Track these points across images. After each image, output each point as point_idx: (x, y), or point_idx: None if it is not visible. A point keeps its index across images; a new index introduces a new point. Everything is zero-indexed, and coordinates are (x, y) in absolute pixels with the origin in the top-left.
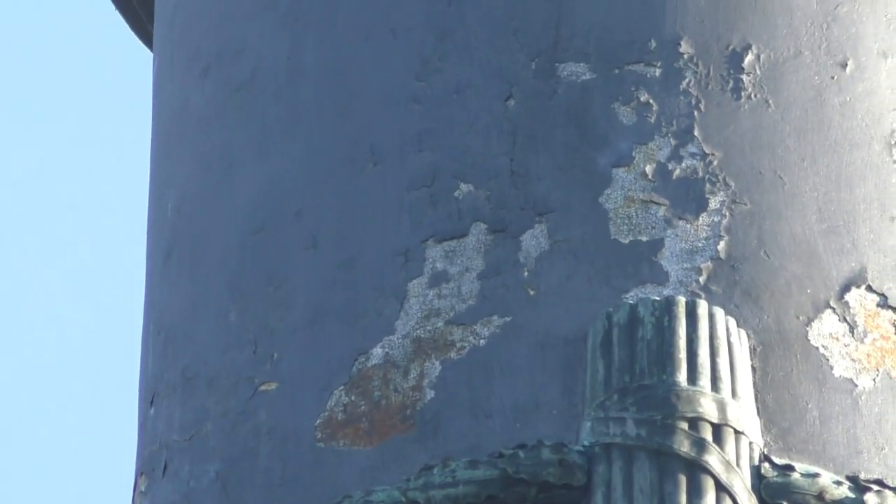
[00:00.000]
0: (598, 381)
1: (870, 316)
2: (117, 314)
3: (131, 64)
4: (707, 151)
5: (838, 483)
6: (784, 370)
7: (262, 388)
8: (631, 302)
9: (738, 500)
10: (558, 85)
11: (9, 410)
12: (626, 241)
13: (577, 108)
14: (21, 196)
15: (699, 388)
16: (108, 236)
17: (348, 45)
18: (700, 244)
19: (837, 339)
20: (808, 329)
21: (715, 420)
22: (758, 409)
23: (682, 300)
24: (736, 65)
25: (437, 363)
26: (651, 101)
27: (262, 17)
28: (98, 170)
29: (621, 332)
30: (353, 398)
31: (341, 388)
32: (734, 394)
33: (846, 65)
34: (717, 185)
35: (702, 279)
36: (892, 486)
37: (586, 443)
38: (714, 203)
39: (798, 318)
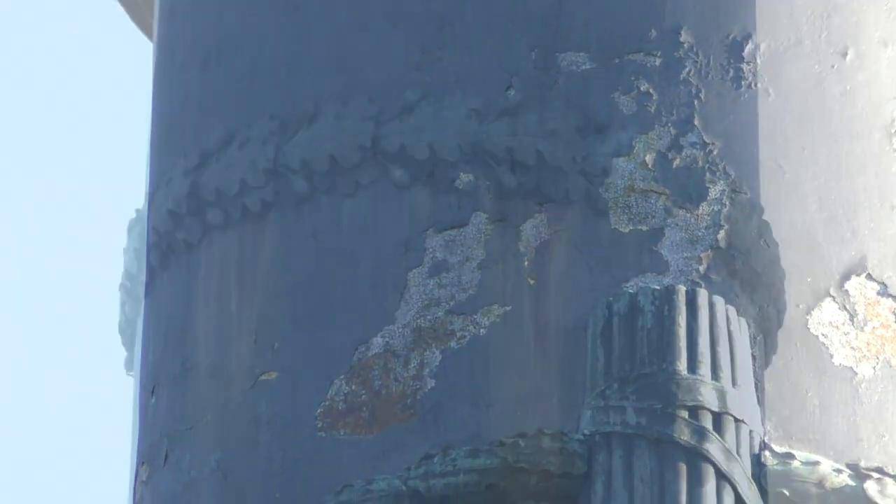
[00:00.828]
0: (599, 370)
1: (870, 304)
2: (117, 308)
3: (132, 54)
4: (707, 141)
5: (838, 471)
6: (784, 359)
7: (263, 377)
8: (631, 291)
9: (739, 488)
10: (558, 75)
11: (10, 404)
12: (627, 230)
13: (577, 97)
14: (20, 188)
15: (699, 377)
16: (108, 228)
17: (349, 34)
18: (700, 233)
19: (837, 327)
20: (808, 317)
21: (715, 408)
22: (758, 397)
23: (682, 289)
24: (736, 54)
25: (437, 352)
26: (651, 90)
27: (263, 8)
28: (98, 160)
29: (621, 321)
30: (353, 387)
31: (342, 377)
32: (734, 382)
33: (846, 54)
34: (718, 174)
35: (702, 268)
36: (892, 473)
37: (586, 431)
38: (714, 192)
39: (798, 306)
